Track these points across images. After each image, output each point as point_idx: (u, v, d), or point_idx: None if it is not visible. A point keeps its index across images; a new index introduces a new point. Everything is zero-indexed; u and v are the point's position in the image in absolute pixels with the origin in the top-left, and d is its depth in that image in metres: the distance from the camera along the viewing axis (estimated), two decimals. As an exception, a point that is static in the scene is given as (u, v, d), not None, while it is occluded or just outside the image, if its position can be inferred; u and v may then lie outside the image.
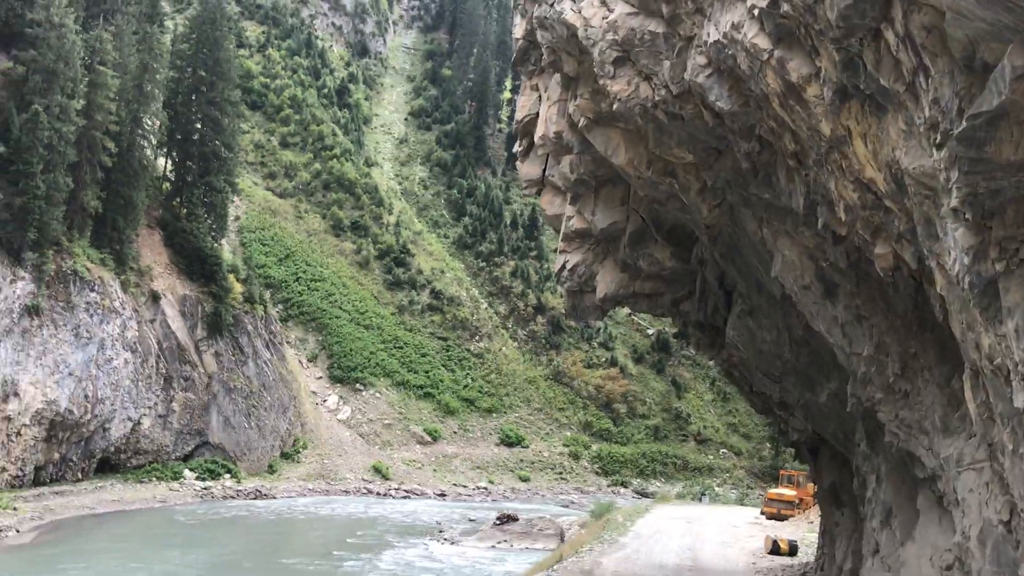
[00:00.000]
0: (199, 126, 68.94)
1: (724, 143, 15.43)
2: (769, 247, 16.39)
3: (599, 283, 22.70)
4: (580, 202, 21.96)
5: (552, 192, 23.66)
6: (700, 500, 62.76)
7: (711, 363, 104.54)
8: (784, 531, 35.35)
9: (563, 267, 23.48)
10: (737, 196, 16.63)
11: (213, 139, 68.64)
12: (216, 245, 67.55)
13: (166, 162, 71.63)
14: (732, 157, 15.53)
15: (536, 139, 22.31)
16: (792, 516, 43.66)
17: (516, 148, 25.32)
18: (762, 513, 45.95)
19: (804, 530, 36.32)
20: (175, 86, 69.32)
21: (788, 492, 46.64)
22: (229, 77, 70.45)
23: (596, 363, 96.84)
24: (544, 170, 23.41)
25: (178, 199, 68.75)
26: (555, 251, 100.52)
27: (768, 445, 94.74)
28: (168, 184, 70.62)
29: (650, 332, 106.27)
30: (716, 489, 77.28)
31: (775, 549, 30.67)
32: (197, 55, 69.53)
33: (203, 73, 68.83)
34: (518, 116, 24.77)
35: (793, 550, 30.56)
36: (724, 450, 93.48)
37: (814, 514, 40.08)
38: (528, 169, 24.25)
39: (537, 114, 22.54)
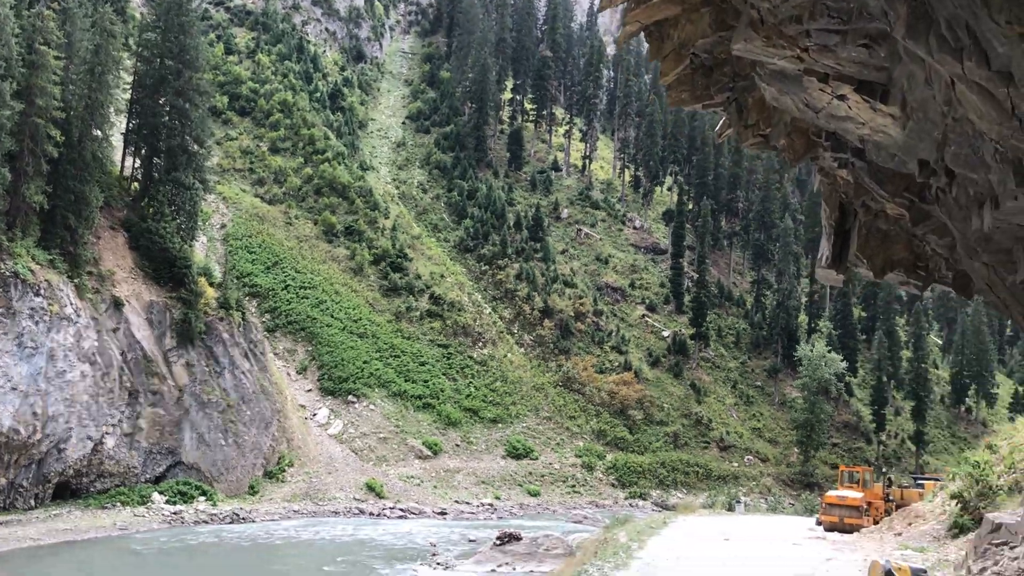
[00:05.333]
0: (166, 119, 63.53)
1: None
2: None
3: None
4: None
5: None
6: (732, 510, 55.11)
7: (733, 363, 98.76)
8: (869, 548, 27.53)
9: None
10: None
11: (181, 132, 63.19)
12: (186, 247, 61.82)
13: (133, 160, 66.30)
14: None
15: None
16: (860, 526, 35.11)
17: None
18: (818, 523, 37.87)
19: (892, 546, 27.55)
20: (141, 78, 64.24)
21: (852, 495, 36.44)
22: (197, 65, 64.97)
23: (609, 368, 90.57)
24: None
25: (145, 198, 63.14)
26: (562, 253, 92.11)
27: (796, 450, 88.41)
28: (136, 184, 65.15)
29: (665, 334, 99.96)
30: (743, 498, 70.73)
31: None
32: (164, 43, 64.29)
33: (170, 62, 63.62)
34: None
35: None
36: (749, 457, 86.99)
37: (900, 523, 32.27)
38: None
39: None
